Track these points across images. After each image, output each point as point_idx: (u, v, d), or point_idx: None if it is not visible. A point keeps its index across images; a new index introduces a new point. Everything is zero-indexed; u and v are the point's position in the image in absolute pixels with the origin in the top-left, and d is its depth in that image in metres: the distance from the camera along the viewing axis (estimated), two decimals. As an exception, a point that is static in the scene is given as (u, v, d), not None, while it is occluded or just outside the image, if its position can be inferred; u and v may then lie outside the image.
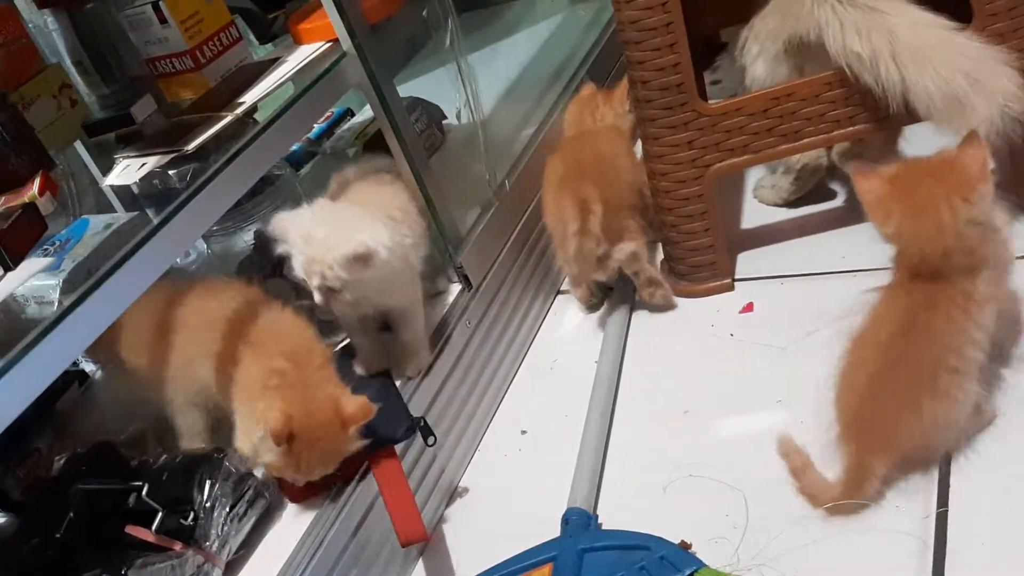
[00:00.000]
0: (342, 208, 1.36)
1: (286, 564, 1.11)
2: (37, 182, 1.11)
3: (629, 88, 1.61)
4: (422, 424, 1.26)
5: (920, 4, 1.27)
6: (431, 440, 1.26)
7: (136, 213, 1.22)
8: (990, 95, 1.20)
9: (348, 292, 1.21)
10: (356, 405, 1.14)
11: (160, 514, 1.09)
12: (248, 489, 1.15)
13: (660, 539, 1.10)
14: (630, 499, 1.24)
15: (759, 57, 1.43)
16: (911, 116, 1.28)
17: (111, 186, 1.40)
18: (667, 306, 1.54)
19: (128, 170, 1.23)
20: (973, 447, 1.11)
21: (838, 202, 1.60)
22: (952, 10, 1.25)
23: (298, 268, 1.21)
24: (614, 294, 1.58)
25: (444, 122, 1.84)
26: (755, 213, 1.66)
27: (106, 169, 1.33)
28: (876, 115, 1.34)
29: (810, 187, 1.60)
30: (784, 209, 1.63)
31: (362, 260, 1.19)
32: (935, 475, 1.10)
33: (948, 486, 1.08)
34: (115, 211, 1.43)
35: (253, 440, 1.12)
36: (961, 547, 1.01)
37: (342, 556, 1.16)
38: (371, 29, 1.37)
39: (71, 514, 1.09)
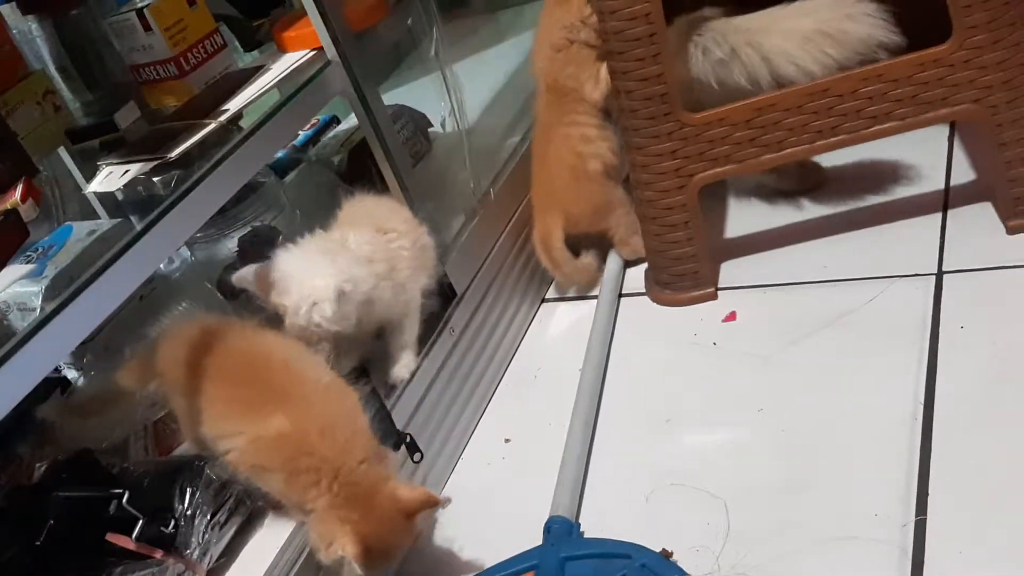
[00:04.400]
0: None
1: (267, 572, 1.11)
2: (20, 188, 1.11)
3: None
4: (408, 440, 1.26)
5: (899, 20, 1.31)
6: (417, 457, 1.26)
7: (119, 220, 1.21)
8: (857, 17, 1.31)
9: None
10: (417, 499, 1.09)
11: (140, 522, 1.08)
12: (229, 497, 1.14)
13: (641, 547, 1.10)
14: (612, 507, 1.25)
15: None
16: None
17: (94, 192, 1.39)
18: (635, 257, 1.66)
19: (111, 176, 1.23)
20: (952, 455, 1.12)
21: (820, 212, 1.61)
22: (934, 20, 1.28)
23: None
24: (597, 304, 1.59)
25: (430, 130, 1.85)
26: (738, 223, 1.67)
27: (90, 175, 1.33)
28: (857, 126, 1.35)
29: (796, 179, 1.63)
30: (767, 219, 1.64)
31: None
32: (914, 483, 1.11)
33: (927, 494, 1.09)
34: (98, 218, 1.43)
35: (329, 557, 1.08)
36: (939, 556, 1.02)
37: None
38: (355, 37, 1.37)
39: (51, 521, 1.08)
